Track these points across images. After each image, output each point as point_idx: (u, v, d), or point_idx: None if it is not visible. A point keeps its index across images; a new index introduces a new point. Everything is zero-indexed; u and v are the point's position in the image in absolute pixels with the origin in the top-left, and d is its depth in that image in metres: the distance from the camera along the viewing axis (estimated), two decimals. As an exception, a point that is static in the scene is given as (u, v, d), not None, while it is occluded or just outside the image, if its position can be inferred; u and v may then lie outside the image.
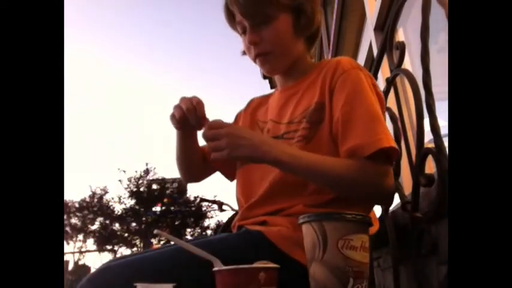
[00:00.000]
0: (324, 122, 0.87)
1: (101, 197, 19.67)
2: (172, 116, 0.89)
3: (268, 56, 0.94)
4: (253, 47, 0.93)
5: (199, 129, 0.88)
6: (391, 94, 1.33)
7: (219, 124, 0.80)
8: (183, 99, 0.88)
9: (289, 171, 0.81)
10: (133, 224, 19.09)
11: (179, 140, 1.01)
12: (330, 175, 0.79)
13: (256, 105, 1.09)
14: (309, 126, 0.88)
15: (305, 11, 0.93)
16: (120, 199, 19.09)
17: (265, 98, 1.09)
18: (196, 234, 18.85)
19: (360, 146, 0.79)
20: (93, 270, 0.79)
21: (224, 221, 1.28)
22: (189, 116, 0.85)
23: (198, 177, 1.12)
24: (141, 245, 18.66)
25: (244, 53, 1.00)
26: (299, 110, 0.92)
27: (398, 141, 1.26)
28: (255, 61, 0.97)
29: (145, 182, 18.97)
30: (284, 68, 0.98)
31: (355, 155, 0.80)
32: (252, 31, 0.92)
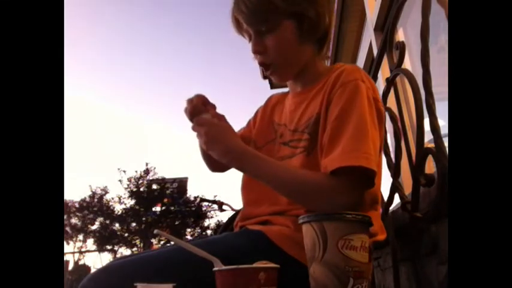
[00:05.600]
0: (320, 134, 0.85)
1: (101, 197, 19.63)
2: (185, 110, 0.92)
3: (272, 67, 0.94)
4: (257, 55, 0.93)
5: None
6: (391, 94, 1.33)
7: (206, 119, 0.85)
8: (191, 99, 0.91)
9: (253, 177, 0.85)
10: (133, 224, 19.06)
11: None
12: (284, 185, 0.81)
13: (274, 103, 1.08)
14: (310, 137, 0.87)
15: (308, 16, 0.90)
16: (120, 199, 19.07)
17: (282, 96, 1.08)
18: (196, 234, 18.82)
19: (329, 163, 0.78)
20: (93, 270, 0.79)
21: (224, 221, 1.27)
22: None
23: (220, 170, 1.11)
24: (141, 245, 18.63)
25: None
26: (303, 119, 0.91)
27: (398, 141, 1.26)
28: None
29: (145, 182, 18.93)
30: (292, 76, 0.98)
31: (325, 168, 0.78)
32: (255, 40, 0.92)
